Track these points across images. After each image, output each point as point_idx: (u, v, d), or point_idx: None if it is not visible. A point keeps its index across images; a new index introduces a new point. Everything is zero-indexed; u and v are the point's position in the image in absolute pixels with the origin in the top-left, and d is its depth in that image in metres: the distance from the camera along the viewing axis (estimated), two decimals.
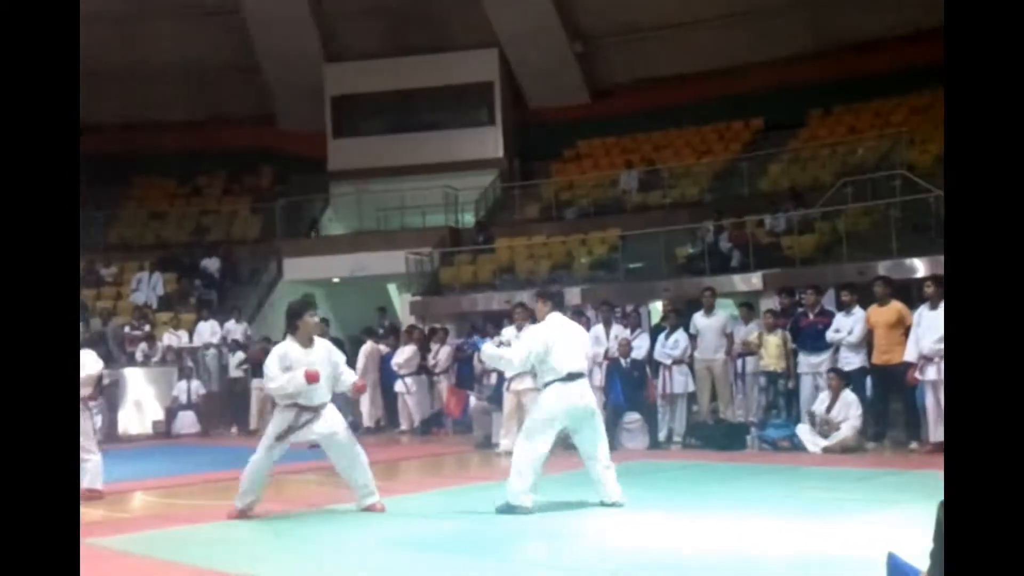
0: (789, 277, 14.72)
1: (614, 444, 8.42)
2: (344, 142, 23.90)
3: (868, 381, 11.04)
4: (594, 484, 7.25)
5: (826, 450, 10.32)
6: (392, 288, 22.61)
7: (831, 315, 11.52)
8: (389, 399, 15.50)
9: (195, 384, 16.47)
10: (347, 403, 12.35)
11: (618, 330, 12.44)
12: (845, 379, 10.76)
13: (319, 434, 7.17)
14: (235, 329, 17.76)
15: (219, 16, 23.55)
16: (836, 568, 5.10)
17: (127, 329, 18.04)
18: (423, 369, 15.15)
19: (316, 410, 7.14)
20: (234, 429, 16.18)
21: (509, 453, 7.89)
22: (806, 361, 11.49)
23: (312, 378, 6.98)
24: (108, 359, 14.70)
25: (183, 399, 16.30)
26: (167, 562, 5.79)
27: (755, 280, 15.48)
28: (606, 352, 12.14)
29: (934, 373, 9.84)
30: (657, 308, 16.64)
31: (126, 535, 6.73)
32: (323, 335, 8.40)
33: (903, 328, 10.51)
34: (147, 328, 17.92)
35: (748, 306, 13.25)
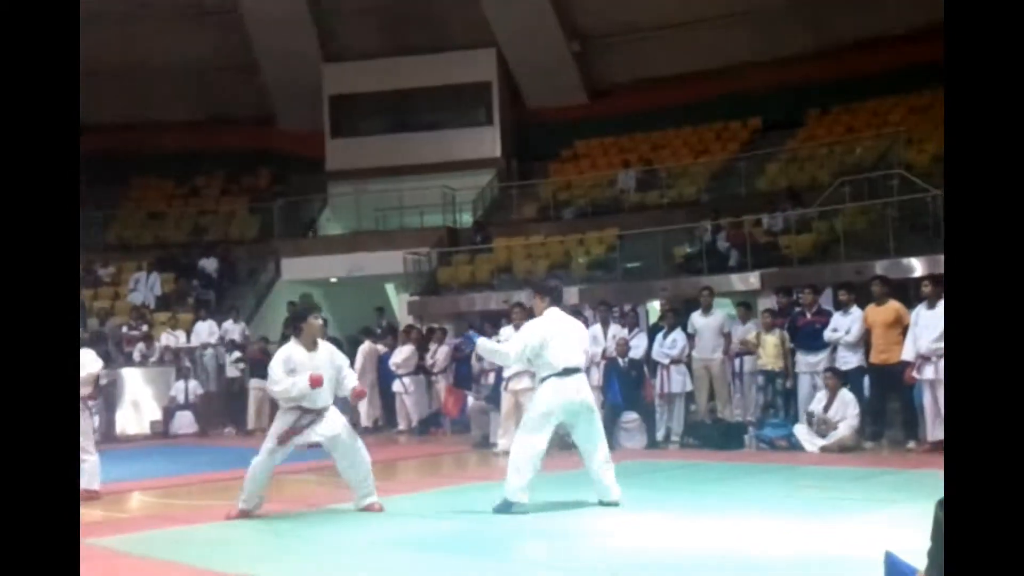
0: (787, 276, 14.72)
1: (612, 444, 8.40)
2: (342, 142, 23.87)
3: (866, 380, 11.04)
4: (593, 483, 7.22)
5: (824, 449, 10.33)
6: (390, 288, 22.61)
7: (829, 314, 11.54)
8: (387, 399, 15.48)
9: (193, 384, 16.43)
10: (345, 403, 12.33)
11: (616, 330, 12.44)
12: (843, 378, 10.78)
13: (322, 436, 7.18)
14: (233, 329, 17.74)
15: (218, 16, 23.54)
16: (834, 567, 5.10)
17: (125, 329, 18.02)
18: (421, 369, 15.14)
19: (319, 412, 7.16)
20: (228, 430, 16.18)
21: (507, 453, 7.87)
22: (804, 360, 11.51)
23: (317, 383, 7.00)
24: (106, 359, 14.61)
25: (181, 399, 16.26)
26: (166, 562, 5.79)
27: (753, 280, 15.48)
28: (604, 352, 12.14)
29: (932, 372, 9.86)
30: (655, 308, 16.67)
31: (125, 535, 6.72)
32: (323, 336, 8.40)
33: (901, 327, 10.51)
34: (145, 328, 17.89)
35: (746, 305, 13.27)
